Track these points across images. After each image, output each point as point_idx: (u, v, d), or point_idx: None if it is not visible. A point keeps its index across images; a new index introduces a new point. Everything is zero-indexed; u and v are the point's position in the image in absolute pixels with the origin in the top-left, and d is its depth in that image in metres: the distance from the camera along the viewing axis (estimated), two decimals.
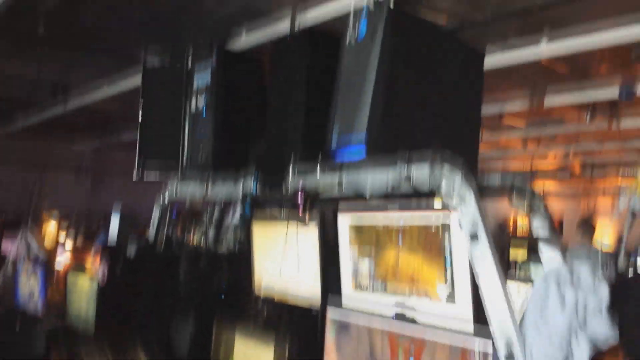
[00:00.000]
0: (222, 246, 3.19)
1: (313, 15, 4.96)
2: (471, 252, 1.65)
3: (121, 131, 12.40)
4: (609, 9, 6.00)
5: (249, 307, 2.72)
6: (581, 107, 8.66)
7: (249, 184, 2.46)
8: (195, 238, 3.32)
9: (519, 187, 1.84)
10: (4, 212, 12.32)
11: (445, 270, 1.83)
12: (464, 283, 1.79)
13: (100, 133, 13.05)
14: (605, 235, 7.50)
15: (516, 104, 8.29)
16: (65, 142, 14.81)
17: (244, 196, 2.48)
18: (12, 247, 5.32)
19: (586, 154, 13.18)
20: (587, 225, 6.43)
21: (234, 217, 2.91)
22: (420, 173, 1.77)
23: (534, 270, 5.19)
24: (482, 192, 1.75)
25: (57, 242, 6.13)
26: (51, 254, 5.15)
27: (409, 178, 1.79)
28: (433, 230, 1.89)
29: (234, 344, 2.59)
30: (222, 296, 2.81)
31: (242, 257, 2.79)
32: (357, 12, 1.91)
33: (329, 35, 2.28)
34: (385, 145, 1.81)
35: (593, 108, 8.61)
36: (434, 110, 1.96)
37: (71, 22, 6.86)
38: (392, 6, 1.82)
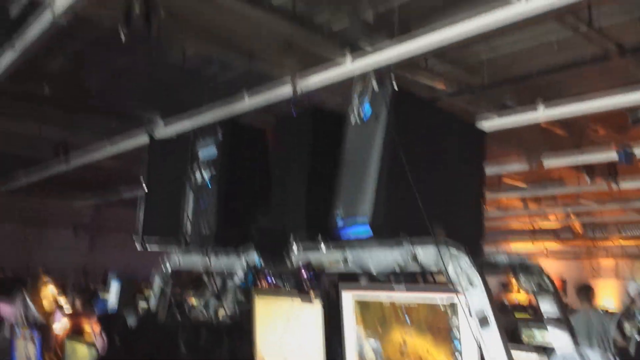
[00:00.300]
0: (223, 318, 3.13)
1: (313, 81, 5.08)
2: (481, 336, 1.61)
3: (121, 189, 12.47)
4: (603, 77, 6.16)
5: None
6: (580, 169, 8.74)
7: (252, 257, 2.43)
8: (196, 308, 3.26)
9: (527, 267, 1.82)
10: (2, 269, 12.19)
11: (454, 354, 1.78)
12: None
13: (100, 190, 13.12)
14: (607, 297, 7.52)
15: (515, 165, 8.36)
16: (65, 198, 14.86)
17: (247, 267, 2.45)
18: (9, 310, 5.23)
19: (587, 214, 13.19)
20: (587, 290, 6.55)
21: (236, 288, 2.87)
22: (426, 255, 1.76)
23: (539, 336, 5.09)
24: (489, 272, 1.73)
25: (55, 306, 6.01)
26: (49, 319, 5.05)
27: (415, 258, 1.77)
28: (441, 309, 1.85)
29: None
30: None
31: (244, 331, 2.73)
32: (361, 92, 1.95)
33: (331, 112, 2.32)
34: (390, 226, 1.81)
35: (592, 169, 8.68)
36: (439, 188, 1.96)
37: (76, 84, 7.02)
38: (395, 87, 1.85)
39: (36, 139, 9.03)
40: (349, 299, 2.12)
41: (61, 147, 9.24)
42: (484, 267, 1.68)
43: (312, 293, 2.09)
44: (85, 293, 6.95)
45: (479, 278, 1.63)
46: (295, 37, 4.67)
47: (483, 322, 1.59)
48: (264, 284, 2.55)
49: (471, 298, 1.63)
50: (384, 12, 4.97)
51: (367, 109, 1.90)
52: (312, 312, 2.22)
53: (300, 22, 4.62)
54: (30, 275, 8.12)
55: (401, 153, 1.78)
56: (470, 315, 1.63)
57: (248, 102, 5.86)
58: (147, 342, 2.92)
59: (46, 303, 5.62)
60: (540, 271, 1.83)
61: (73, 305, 6.16)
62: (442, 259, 1.70)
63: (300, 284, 2.13)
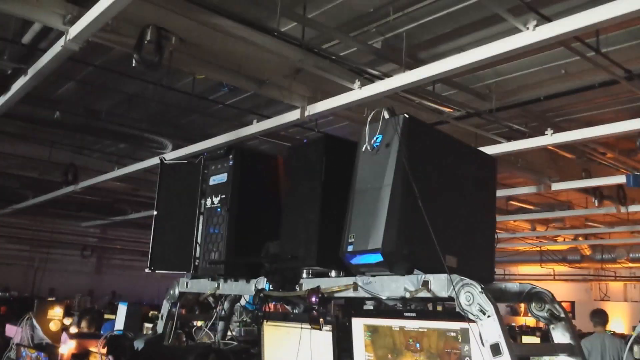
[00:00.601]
0: (230, 340, 3.12)
1: (322, 107, 5.13)
2: None
3: (128, 210, 12.54)
4: (611, 102, 6.19)
5: None
6: (589, 192, 8.72)
7: (262, 283, 2.43)
8: (202, 330, 3.25)
9: (538, 294, 1.81)
10: (8, 289, 12.22)
11: None
12: None
13: (107, 212, 13.20)
14: (615, 320, 7.54)
15: (523, 189, 8.35)
16: (73, 220, 14.95)
17: (257, 292, 2.45)
18: (16, 331, 5.22)
19: (595, 236, 13.12)
20: (601, 315, 6.73)
21: (243, 311, 2.86)
22: (437, 283, 1.76)
23: None
24: (500, 300, 1.72)
25: (62, 327, 5.99)
26: (55, 340, 5.03)
27: (426, 286, 1.77)
28: (452, 335, 1.84)
29: None
30: None
31: (251, 355, 2.72)
32: (373, 120, 1.97)
33: (343, 139, 2.34)
34: (402, 253, 1.81)
35: (601, 193, 8.67)
36: (450, 215, 1.98)
37: (86, 108, 7.12)
38: (407, 117, 1.87)
39: (46, 162, 9.15)
40: (359, 325, 2.11)
41: (70, 169, 9.35)
42: (496, 295, 1.67)
43: (321, 320, 2.09)
44: (91, 314, 6.92)
45: (492, 307, 1.63)
46: (304, 64, 4.73)
47: (495, 351, 1.59)
48: (272, 308, 2.54)
49: (483, 327, 1.63)
50: (392, 38, 5.04)
51: (378, 137, 1.93)
52: (322, 338, 2.21)
53: (309, 48, 4.68)
54: (36, 296, 8.11)
55: (412, 180, 1.79)
56: (483, 344, 1.63)
57: (257, 127, 5.91)
58: None
59: (52, 324, 5.61)
60: (552, 299, 1.82)
61: (79, 327, 6.14)
62: (453, 287, 1.70)
63: (310, 310, 2.13)
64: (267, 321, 2.50)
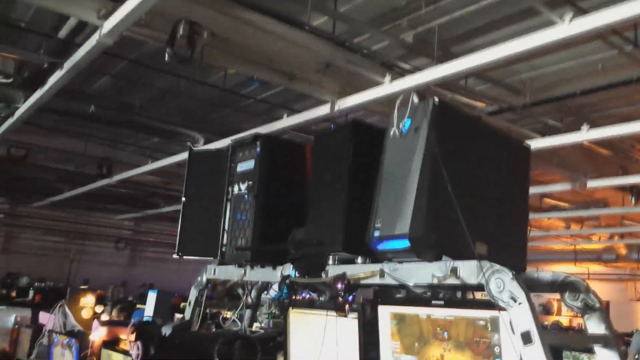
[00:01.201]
0: (257, 329, 3.13)
1: (352, 101, 5.10)
2: (524, 355, 1.56)
3: (161, 204, 12.72)
4: None
5: None
6: (625, 189, 8.48)
7: (288, 270, 2.43)
8: (230, 319, 3.27)
9: (572, 283, 1.76)
10: (45, 279, 12.55)
11: None
12: None
13: (141, 205, 13.42)
14: None
15: (558, 186, 8.17)
16: (108, 213, 15.26)
17: (283, 278, 2.45)
18: (49, 318, 5.35)
19: (631, 235, 12.77)
20: None
21: (271, 301, 2.86)
22: (467, 269, 1.72)
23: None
24: (532, 289, 1.68)
25: (93, 315, 6.13)
26: (87, 328, 5.14)
27: (455, 273, 1.73)
28: (481, 324, 1.79)
29: None
30: None
31: (278, 344, 2.72)
32: (402, 104, 1.94)
33: (370, 126, 2.31)
34: (430, 239, 1.78)
35: (637, 191, 8.43)
36: (481, 202, 1.93)
37: (120, 102, 7.24)
38: (437, 101, 1.84)
39: (81, 155, 9.34)
40: (385, 313, 2.09)
41: (104, 163, 9.54)
42: (528, 283, 1.63)
43: (347, 307, 2.07)
44: (123, 304, 7.07)
45: (523, 294, 1.58)
46: (334, 58, 4.71)
47: (526, 339, 1.54)
48: (299, 297, 2.54)
49: (514, 315, 1.59)
50: (424, 32, 4.97)
51: (407, 122, 1.90)
52: (348, 326, 2.19)
53: (340, 43, 4.65)
54: (70, 286, 8.31)
55: (441, 165, 1.76)
56: (514, 332, 1.58)
57: (287, 122, 5.92)
58: (181, 351, 2.94)
59: (84, 312, 5.75)
60: (586, 288, 1.76)
61: (110, 315, 6.26)
62: (483, 274, 1.66)
63: (336, 297, 2.11)
64: (292, 308, 2.50)
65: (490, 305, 1.68)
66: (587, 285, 1.77)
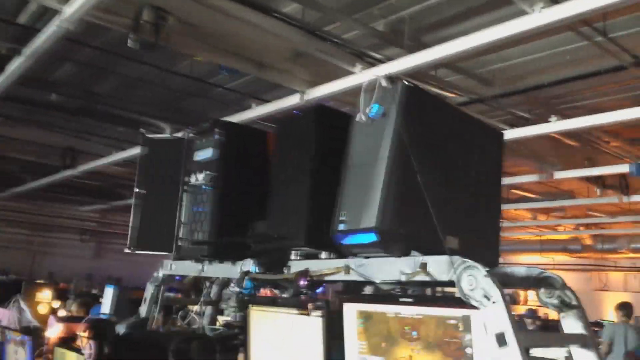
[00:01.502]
0: (221, 325, 3.00)
1: (322, 91, 4.98)
2: (498, 357, 1.45)
3: (127, 195, 12.41)
4: (617, 88, 6.01)
5: None
6: (591, 181, 8.57)
7: (248, 265, 2.29)
8: (188, 317, 3.12)
9: (548, 279, 1.66)
10: (7, 273, 12.16)
11: None
12: None
13: (106, 197, 13.08)
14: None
15: (525, 177, 8.21)
16: (72, 204, 14.85)
17: (243, 275, 2.30)
18: (3, 313, 5.12)
19: (597, 226, 12.99)
20: (627, 307, 7.74)
21: (236, 296, 2.71)
22: (437, 265, 1.60)
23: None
24: (506, 285, 1.57)
25: (50, 310, 5.90)
26: (44, 324, 4.94)
27: (424, 268, 1.62)
28: (452, 323, 1.68)
29: None
30: None
31: (237, 344, 2.59)
32: (369, 88, 1.81)
33: (336, 110, 2.18)
34: (398, 232, 1.66)
35: (603, 182, 8.54)
36: (452, 194, 1.82)
37: (84, 90, 6.97)
38: (406, 84, 1.71)
39: (44, 145, 9.01)
40: (351, 311, 1.96)
41: (68, 153, 9.24)
42: (501, 279, 1.52)
43: (310, 305, 1.94)
44: (86, 298, 6.83)
45: (497, 292, 1.46)
46: (304, 46, 4.58)
47: (501, 341, 1.43)
48: (262, 292, 2.40)
49: (488, 315, 1.47)
50: (395, 21, 4.85)
51: (374, 107, 1.76)
52: (311, 325, 2.07)
53: (310, 31, 4.52)
54: (25, 281, 8.04)
55: (411, 154, 1.64)
56: (487, 332, 1.48)
57: (256, 112, 5.78)
58: (137, 350, 2.80)
59: (41, 307, 5.52)
60: (562, 284, 1.67)
61: (69, 310, 6.03)
62: (454, 270, 1.54)
63: (298, 294, 1.98)
64: (253, 306, 2.36)
65: (461, 302, 1.57)
66: (563, 282, 1.68)
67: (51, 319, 4.13)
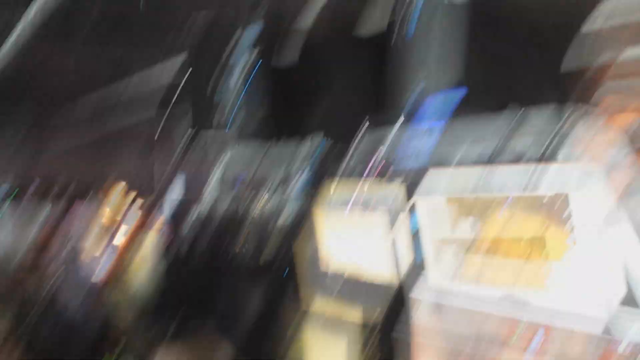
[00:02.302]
0: (284, 216, 2.90)
1: None
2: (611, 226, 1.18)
3: None
4: None
5: (314, 283, 2.41)
6: None
7: (314, 146, 2.09)
8: (259, 205, 3.04)
9: None
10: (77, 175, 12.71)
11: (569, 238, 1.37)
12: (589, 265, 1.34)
13: None
14: None
15: None
16: None
17: (307, 160, 2.13)
18: (82, 212, 5.33)
19: None
20: None
21: (297, 183, 2.57)
22: (542, 118, 1.29)
23: None
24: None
25: (124, 209, 6.09)
26: (117, 222, 5.13)
27: (525, 124, 1.30)
28: (547, 201, 1.40)
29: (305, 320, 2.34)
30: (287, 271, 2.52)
31: (306, 229, 2.47)
32: None
33: None
34: (490, 85, 1.38)
35: None
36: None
37: None
38: None
39: None
40: (430, 186, 1.73)
41: None
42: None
43: (386, 176, 1.74)
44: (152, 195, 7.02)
45: (623, 148, 1.16)
46: None
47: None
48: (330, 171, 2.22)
49: (604, 175, 1.19)
50: None
51: None
52: (388, 196, 1.85)
53: None
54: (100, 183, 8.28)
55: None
56: (595, 195, 1.20)
57: None
58: (209, 235, 2.79)
59: (115, 207, 5.67)
60: None
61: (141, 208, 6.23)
62: (565, 121, 1.23)
63: (370, 173, 1.78)
64: (321, 188, 2.16)
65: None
66: None
67: (126, 216, 4.25)
